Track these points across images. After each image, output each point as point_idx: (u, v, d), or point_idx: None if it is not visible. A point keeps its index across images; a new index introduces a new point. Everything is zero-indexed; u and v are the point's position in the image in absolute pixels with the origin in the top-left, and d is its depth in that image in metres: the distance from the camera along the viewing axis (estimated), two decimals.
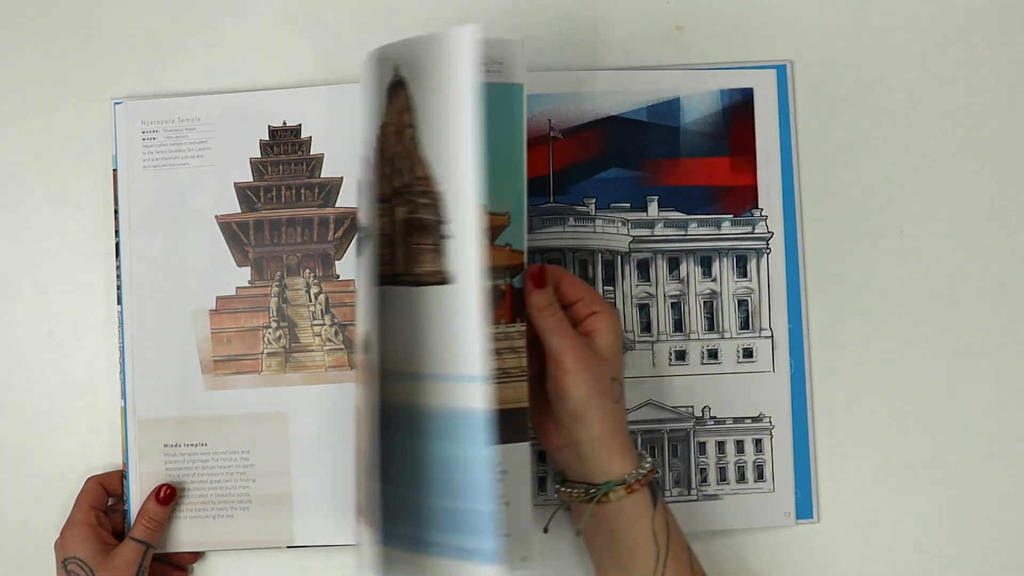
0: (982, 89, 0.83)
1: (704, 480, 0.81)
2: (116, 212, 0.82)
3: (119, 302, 0.82)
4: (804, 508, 0.81)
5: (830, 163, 0.83)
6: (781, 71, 0.82)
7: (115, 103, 0.82)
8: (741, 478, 0.81)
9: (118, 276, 0.82)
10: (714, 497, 0.81)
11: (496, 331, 0.71)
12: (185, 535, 0.80)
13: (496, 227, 0.71)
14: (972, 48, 0.83)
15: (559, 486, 0.73)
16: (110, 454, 0.83)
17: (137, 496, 0.80)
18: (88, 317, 0.84)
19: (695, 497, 0.81)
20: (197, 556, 0.82)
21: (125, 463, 0.81)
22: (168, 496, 0.79)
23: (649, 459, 0.72)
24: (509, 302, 0.72)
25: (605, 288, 0.81)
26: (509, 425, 0.70)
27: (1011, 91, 0.83)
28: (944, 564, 0.81)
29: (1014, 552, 0.81)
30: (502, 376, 0.71)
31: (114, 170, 0.82)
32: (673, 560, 0.70)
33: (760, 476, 0.81)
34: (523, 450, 0.72)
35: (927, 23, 0.84)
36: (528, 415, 0.72)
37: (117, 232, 0.82)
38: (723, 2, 0.84)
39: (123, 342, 0.81)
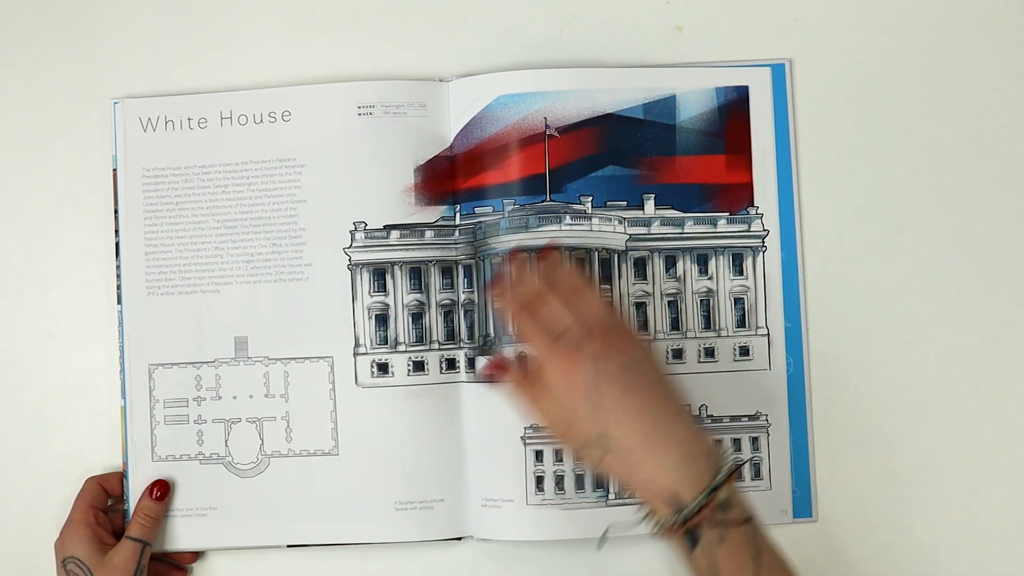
0: (982, 89, 0.83)
1: None
2: (116, 212, 0.82)
3: (119, 302, 0.82)
4: (802, 507, 0.80)
5: (830, 162, 0.83)
6: (778, 69, 0.81)
7: (114, 102, 0.83)
8: (738, 476, 0.81)
9: (118, 276, 0.82)
10: None
11: None
12: (184, 534, 0.81)
13: None
14: (972, 48, 0.83)
15: None
16: (110, 454, 0.83)
17: (137, 496, 0.80)
18: (88, 317, 0.84)
19: None
20: (197, 556, 0.82)
21: (125, 463, 0.81)
22: (162, 492, 0.79)
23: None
24: None
25: (602, 286, 0.81)
26: None
27: (1011, 91, 0.83)
28: (943, 563, 0.81)
29: (1014, 550, 0.81)
30: None
31: (114, 170, 0.82)
32: None
33: (757, 474, 0.81)
34: None
35: (927, 23, 0.83)
36: None
37: (117, 232, 0.82)
38: (723, 2, 0.84)
39: (123, 342, 0.81)
